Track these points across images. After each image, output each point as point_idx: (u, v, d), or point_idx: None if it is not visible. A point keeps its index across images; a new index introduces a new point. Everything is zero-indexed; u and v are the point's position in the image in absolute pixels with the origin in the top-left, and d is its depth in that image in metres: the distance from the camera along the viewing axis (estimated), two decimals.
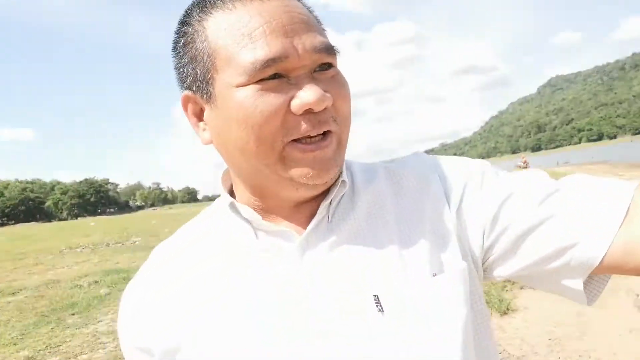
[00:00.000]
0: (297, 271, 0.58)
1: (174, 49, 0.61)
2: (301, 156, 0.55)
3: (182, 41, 0.59)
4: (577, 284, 0.57)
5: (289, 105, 0.53)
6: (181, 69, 0.60)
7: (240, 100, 0.54)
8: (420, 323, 0.55)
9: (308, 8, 0.60)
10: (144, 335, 0.62)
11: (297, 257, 0.59)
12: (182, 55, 0.59)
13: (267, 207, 0.62)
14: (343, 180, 0.62)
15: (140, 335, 0.62)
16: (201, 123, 0.61)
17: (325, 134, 0.56)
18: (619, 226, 0.54)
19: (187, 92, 0.60)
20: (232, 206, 0.63)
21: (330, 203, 0.61)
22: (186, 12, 0.59)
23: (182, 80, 0.60)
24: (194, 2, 0.59)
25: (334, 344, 0.54)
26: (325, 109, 0.54)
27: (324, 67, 0.56)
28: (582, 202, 0.56)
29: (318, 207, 0.61)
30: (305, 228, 0.60)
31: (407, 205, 0.63)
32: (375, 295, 0.56)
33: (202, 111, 0.60)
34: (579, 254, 0.55)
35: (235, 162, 0.60)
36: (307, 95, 0.53)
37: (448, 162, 0.67)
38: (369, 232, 0.60)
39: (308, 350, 0.54)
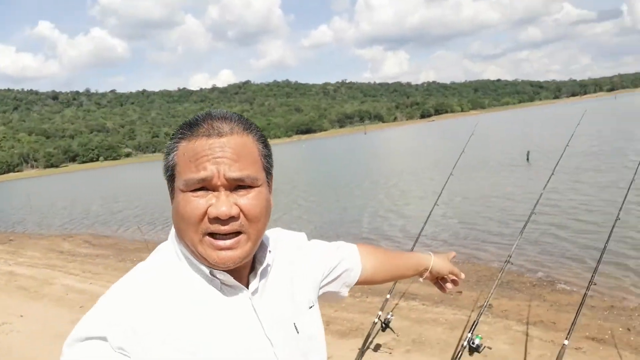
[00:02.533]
0: (251, 311, 0.89)
1: (165, 152, 0.87)
2: (212, 250, 0.82)
3: (167, 150, 0.86)
4: (345, 292, 1.17)
5: (207, 210, 0.81)
6: (164, 164, 0.87)
7: (180, 201, 0.82)
8: (310, 336, 0.96)
9: (260, 146, 0.88)
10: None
11: (249, 303, 0.89)
12: (166, 157, 0.86)
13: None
14: (269, 252, 0.95)
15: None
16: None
17: (236, 234, 0.82)
18: (360, 262, 1.19)
19: (167, 182, 0.88)
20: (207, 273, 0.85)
21: (260, 271, 0.92)
22: (174, 131, 0.87)
23: (164, 172, 0.88)
24: (177, 129, 0.86)
25: (285, 352, 0.89)
26: (233, 216, 0.80)
27: (244, 187, 0.82)
28: (348, 250, 1.19)
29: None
30: (243, 281, 0.89)
31: (297, 268, 1.02)
32: (294, 323, 0.94)
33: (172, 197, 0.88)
34: (348, 276, 1.16)
35: (181, 235, 0.85)
36: (215, 208, 0.80)
37: (317, 245, 1.14)
38: (281, 287, 0.95)
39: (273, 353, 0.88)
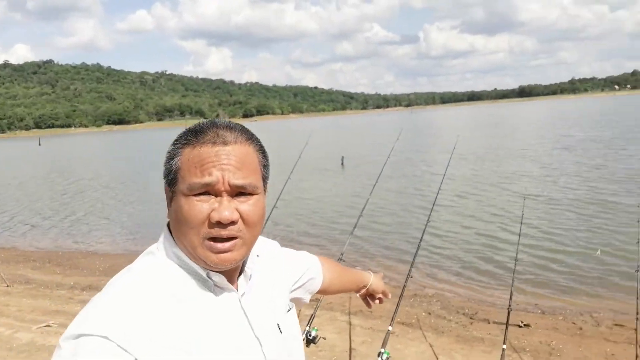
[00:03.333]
0: (241, 312, 0.94)
1: (168, 157, 0.90)
2: (207, 252, 0.85)
3: (170, 154, 0.89)
4: (307, 298, 1.25)
5: (210, 214, 0.84)
6: (166, 167, 0.90)
7: (183, 204, 0.85)
8: (292, 336, 1.03)
9: (260, 156, 0.92)
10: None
11: (239, 304, 0.94)
12: (170, 161, 0.89)
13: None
14: (257, 256, 1.02)
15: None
16: (169, 205, 0.91)
17: (233, 237, 0.85)
18: (322, 273, 1.30)
19: (166, 185, 0.91)
20: (202, 275, 0.88)
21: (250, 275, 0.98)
22: (178, 137, 0.90)
23: (164, 174, 0.90)
24: (181, 135, 0.90)
25: (272, 351, 0.94)
26: (233, 221, 0.84)
27: (245, 194, 0.87)
28: (312, 260, 1.29)
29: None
30: (233, 284, 0.93)
31: (275, 273, 1.07)
32: (277, 324, 0.99)
33: (171, 199, 0.90)
34: (311, 284, 1.25)
35: (181, 242, 0.88)
36: (217, 212, 0.83)
37: (288, 252, 1.21)
38: (265, 290, 1.01)
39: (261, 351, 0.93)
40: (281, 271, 1.11)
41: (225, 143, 0.86)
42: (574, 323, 5.34)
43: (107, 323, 0.76)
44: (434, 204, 4.18)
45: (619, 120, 40.94)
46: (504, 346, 3.38)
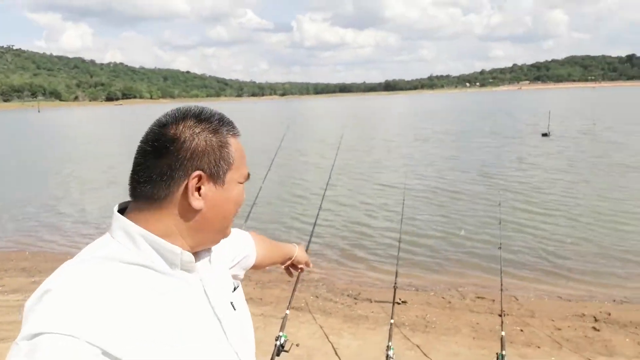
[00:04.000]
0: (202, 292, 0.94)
1: (218, 144, 0.89)
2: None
3: (220, 142, 0.90)
4: (242, 274, 1.31)
5: None
6: (204, 154, 0.87)
7: (240, 191, 0.94)
8: (243, 313, 1.04)
9: None
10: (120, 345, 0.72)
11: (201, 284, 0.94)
12: (223, 149, 0.90)
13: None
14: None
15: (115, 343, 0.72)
16: (196, 194, 0.87)
17: None
18: (255, 249, 1.36)
19: (200, 172, 0.86)
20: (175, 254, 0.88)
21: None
22: (216, 125, 0.90)
23: (193, 160, 0.86)
24: (224, 123, 0.92)
25: (229, 327, 0.95)
26: None
27: None
28: (245, 236, 1.35)
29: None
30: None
31: (216, 252, 1.04)
32: (231, 302, 0.99)
33: (200, 187, 0.87)
34: (246, 261, 1.31)
35: (214, 224, 0.92)
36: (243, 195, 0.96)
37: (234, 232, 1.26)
38: (213, 270, 0.99)
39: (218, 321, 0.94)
40: (221, 250, 1.10)
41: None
42: (443, 297, 5.91)
43: (70, 319, 0.70)
44: (323, 196, 4.31)
45: (468, 114, 45.86)
46: (392, 320, 3.64)
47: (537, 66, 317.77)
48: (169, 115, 0.90)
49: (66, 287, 0.75)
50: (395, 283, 4.26)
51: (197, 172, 0.86)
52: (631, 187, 11.58)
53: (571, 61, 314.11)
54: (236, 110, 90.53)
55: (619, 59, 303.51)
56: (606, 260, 6.92)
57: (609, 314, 5.31)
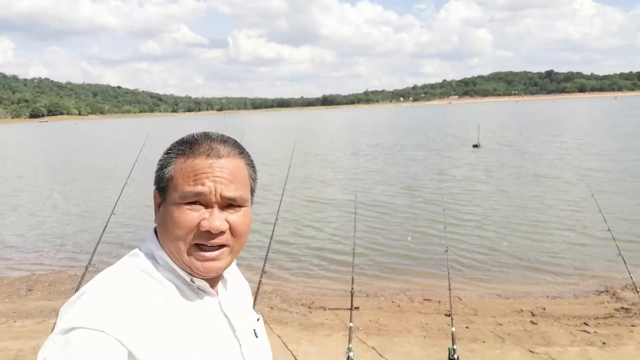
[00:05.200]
0: (222, 315, 0.97)
1: (160, 165, 0.93)
2: (197, 260, 0.89)
3: (163, 163, 0.93)
4: None
5: (200, 222, 0.88)
6: (158, 175, 0.93)
7: (173, 211, 0.89)
8: (265, 342, 1.06)
9: (250, 170, 0.97)
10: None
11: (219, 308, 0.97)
12: (163, 169, 0.92)
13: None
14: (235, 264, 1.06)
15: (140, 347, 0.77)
16: (157, 211, 0.94)
17: (220, 246, 0.90)
18: None
19: (155, 191, 0.94)
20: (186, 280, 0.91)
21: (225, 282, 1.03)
22: (171, 147, 0.94)
23: (156, 181, 0.94)
24: (174, 145, 0.94)
25: (249, 352, 0.98)
26: (222, 231, 0.89)
27: (234, 206, 0.91)
28: None
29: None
30: (214, 288, 0.97)
31: (242, 286, 1.11)
32: (254, 329, 1.03)
33: (159, 205, 0.93)
34: None
35: (166, 243, 0.91)
36: (208, 222, 0.88)
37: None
38: (238, 298, 1.04)
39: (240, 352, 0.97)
40: (244, 286, 1.14)
41: (218, 156, 0.90)
42: (393, 302, 6.15)
43: (102, 317, 0.77)
44: (278, 210, 4.42)
45: (402, 128, 47.50)
46: (351, 324, 3.81)
47: (464, 82, 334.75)
48: None
49: (99, 291, 0.82)
50: (352, 289, 4.43)
51: (155, 190, 0.95)
52: (548, 196, 12.52)
53: (496, 77, 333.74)
54: (171, 126, 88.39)
55: (539, 74, 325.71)
56: (538, 261, 7.47)
57: (544, 309, 5.75)
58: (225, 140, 0.95)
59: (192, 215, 0.87)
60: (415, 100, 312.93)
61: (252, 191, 0.98)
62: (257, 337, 1.03)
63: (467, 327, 5.21)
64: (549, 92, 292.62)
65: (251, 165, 0.98)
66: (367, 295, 6.46)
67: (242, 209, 0.92)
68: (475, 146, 24.63)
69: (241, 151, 0.96)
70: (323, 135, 45.09)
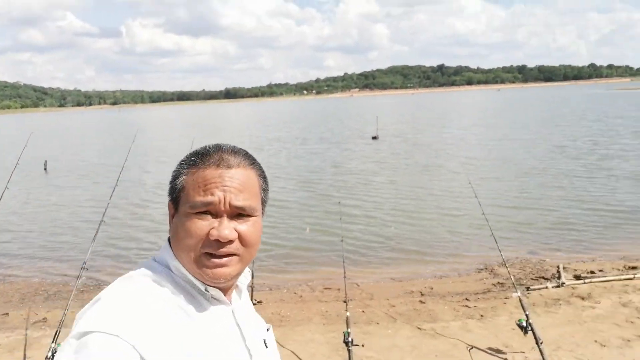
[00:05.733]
0: (234, 324, 0.99)
1: (173, 176, 0.96)
2: (207, 268, 0.91)
3: (175, 174, 0.97)
4: None
5: (209, 231, 0.91)
6: (171, 186, 0.97)
7: (185, 221, 0.92)
8: (274, 352, 1.08)
9: (261, 180, 1.00)
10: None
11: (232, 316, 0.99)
12: (175, 180, 0.96)
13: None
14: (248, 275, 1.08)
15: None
16: (171, 222, 0.96)
17: (230, 255, 0.92)
18: None
19: (170, 202, 0.97)
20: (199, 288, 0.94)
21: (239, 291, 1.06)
22: (184, 158, 0.98)
23: (170, 192, 0.97)
24: (187, 156, 0.97)
25: (259, 357, 1.00)
26: (231, 240, 0.91)
27: (243, 215, 0.93)
28: None
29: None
30: (227, 297, 0.99)
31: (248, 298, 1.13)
32: (264, 340, 1.05)
33: (173, 216, 0.96)
34: None
35: (180, 253, 0.93)
36: (217, 230, 0.90)
37: None
38: (249, 308, 1.08)
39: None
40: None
41: (229, 166, 0.93)
42: (295, 293, 6.33)
43: (117, 322, 0.79)
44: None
45: (305, 121, 48.21)
46: None
47: (364, 75, 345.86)
48: None
49: (114, 297, 0.85)
50: (251, 284, 4.51)
51: (169, 202, 0.98)
52: (433, 185, 13.51)
53: (393, 70, 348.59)
54: (58, 122, 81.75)
55: (432, 68, 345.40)
56: (426, 244, 8.08)
57: (432, 288, 6.26)
58: (236, 151, 0.97)
59: (201, 225, 0.90)
60: (318, 93, 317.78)
61: (263, 202, 1.00)
62: (267, 347, 1.05)
63: (363, 311, 5.52)
64: (441, 84, 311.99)
65: (262, 176, 1.00)
66: (269, 288, 6.58)
67: (252, 218, 0.94)
68: (374, 138, 25.74)
69: (252, 162, 0.98)
70: (226, 129, 44.40)
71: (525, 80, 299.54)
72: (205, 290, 0.93)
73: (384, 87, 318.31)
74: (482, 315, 5.28)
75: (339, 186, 12.68)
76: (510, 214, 9.62)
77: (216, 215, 0.91)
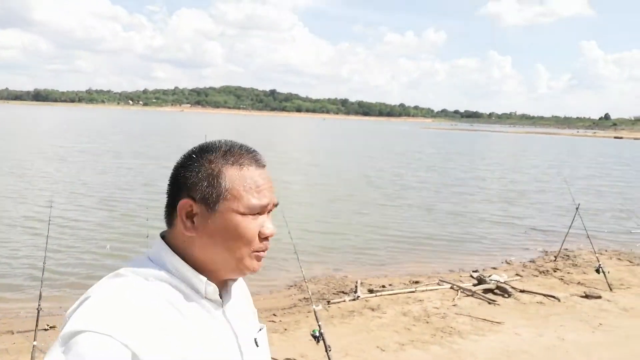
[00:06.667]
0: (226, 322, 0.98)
1: (209, 174, 0.92)
2: (253, 261, 0.95)
3: (212, 172, 0.93)
4: None
5: (260, 230, 0.95)
6: (192, 183, 0.92)
7: (244, 223, 0.92)
8: (265, 352, 1.08)
9: None
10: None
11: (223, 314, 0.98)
12: (215, 180, 0.92)
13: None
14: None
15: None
16: (188, 221, 0.92)
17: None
18: None
19: (189, 201, 0.92)
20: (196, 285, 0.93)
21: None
22: (212, 156, 0.94)
23: (186, 189, 0.93)
24: (215, 153, 0.94)
25: (250, 356, 0.99)
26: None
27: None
28: None
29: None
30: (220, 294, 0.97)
31: (245, 293, 1.13)
32: (255, 338, 1.04)
33: (194, 214, 0.92)
34: None
35: (213, 253, 0.93)
36: (268, 229, 0.95)
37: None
38: (240, 305, 1.05)
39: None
40: (245, 292, 1.14)
41: (264, 165, 0.98)
42: None
43: (108, 321, 0.78)
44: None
45: (125, 134, 45.38)
46: (35, 342, 3.58)
47: (197, 91, 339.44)
48: (191, 148, 0.98)
49: (104, 295, 0.83)
50: (39, 305, 4.14)
51: (185, 200, 0.92)
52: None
53: (226, 90, 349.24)
54: None
55: (265, 92, 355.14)
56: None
57: None
58: (254, 149, 1.01)
59: (255, 224, 0.93)
60: (146, 104, 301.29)
61: None
62: (257, 346, 1.04)
63: None
64: (273, 109, 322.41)
65: None
66: (66, 311, 6.06)
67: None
68: None
69: None
70: (29, 136, 39.12)
71: (348, 112, 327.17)
72: (206, 288, 0.93)
73: (216, 105, 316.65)
74: (285, 329, 5.63)
75: (146, 205, 12.13)
76: (319, 235, 10.43)
77: (262, 214, 0.96)
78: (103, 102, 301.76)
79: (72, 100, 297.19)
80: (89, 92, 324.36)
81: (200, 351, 0.86)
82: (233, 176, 0.92)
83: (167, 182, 0.97)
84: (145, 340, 0.78)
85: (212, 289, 0.93)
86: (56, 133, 42.50)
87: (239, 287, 1.09)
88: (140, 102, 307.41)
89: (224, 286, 0.98)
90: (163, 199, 0.99)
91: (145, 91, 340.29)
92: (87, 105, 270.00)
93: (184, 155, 0.97)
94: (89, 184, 15.58)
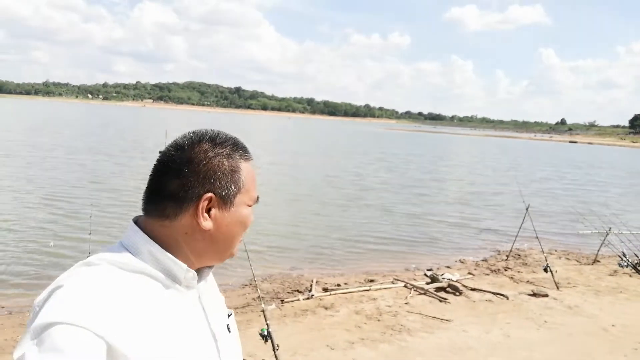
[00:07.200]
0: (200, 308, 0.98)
1: (227, 168, 0.93)
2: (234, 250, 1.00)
3: (231, 166, 0.94)
4: None
5: None
6: (216, 178, 0.92)
7: (247, 214, 0.97)
8: (236, 337, 1.07)
9: None
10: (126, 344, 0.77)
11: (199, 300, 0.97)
12: (234, 174, 0.94)
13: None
14: None
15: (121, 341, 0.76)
16: (206, 215, 0.91)
17: None
18: None
19: (211, 195, 0.91)
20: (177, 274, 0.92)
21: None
22: (230, 150, 0.95)
23: (210, 183, 0.91)
24: (232, 148, 0.96)
25: (223, 346, 0.99)
26: None
27: None
28: None
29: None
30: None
31: (213, 283, 1.10)
32: (227, 324, 1.04)
33: (210, 209, 0.92)
34: None
35: (220, 244, 0.95)
36: (252, 217, 1.00)
37: None
38: (211, 292, 1.05)
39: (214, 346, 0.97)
40: (212, 277, 1.12)
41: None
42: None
43: (83, 312, 0.75)
44: None
45: (81, 128, 43.96)
46: None
47: (159, 86, 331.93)
48: (186, 137, 0.94)
49: (76, 284, 0.79)
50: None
51: (209, 195, 0.91)
52: None
53: (190, 86, 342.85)
54: None
55: (229, 89, 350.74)
56: None
57: None
58: None
59: (252, 215, 0.99)
60: (106, 98, 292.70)
61: None
62: (229, 332, 1.04)
63: None
64: (238, 106, 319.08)
65: None
66: (9, 312, 5.84)
67: None
68: (161, 152, 24.71)
69: None
70: None
71: (313, 112, 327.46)
72: (185, 275, 0.92)
73: (180, 101, 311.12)
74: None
75: (93, 203, 11.68)
76: (276, 235, 10.34)
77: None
78: (61, 95, 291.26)
79: (28, 93, 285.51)
80: (45, 84, 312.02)
81: (176, 339, 0.86)
82: (245, 170, 0.96)
83: (155, 169, 0.94)
84: (121, 332, 0.77)
85: (192, 275, 0.93)
86: (6, 126, 40.53)
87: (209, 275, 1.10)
88: (100, 96, 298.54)
89: (199, 273, 0.98)
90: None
91: (105, 85, 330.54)
92: (44, 98, 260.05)
93: (192, 145, 0.93)
94: (35, 180, 14.83)
